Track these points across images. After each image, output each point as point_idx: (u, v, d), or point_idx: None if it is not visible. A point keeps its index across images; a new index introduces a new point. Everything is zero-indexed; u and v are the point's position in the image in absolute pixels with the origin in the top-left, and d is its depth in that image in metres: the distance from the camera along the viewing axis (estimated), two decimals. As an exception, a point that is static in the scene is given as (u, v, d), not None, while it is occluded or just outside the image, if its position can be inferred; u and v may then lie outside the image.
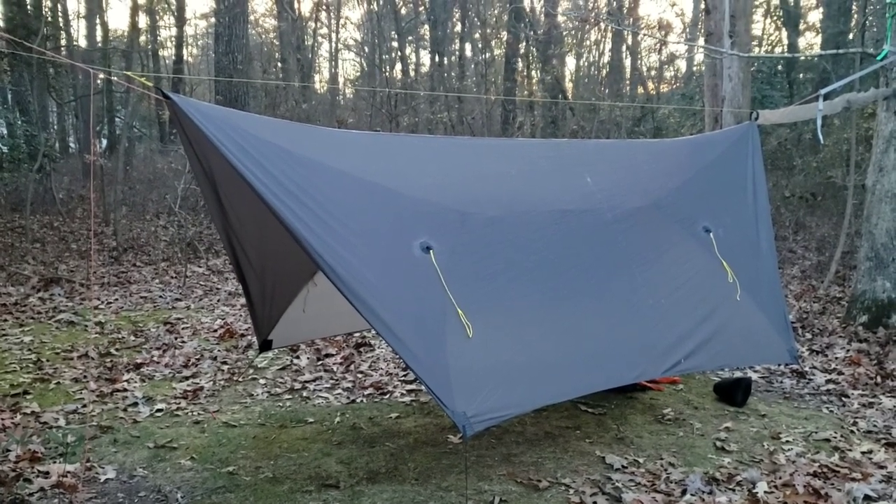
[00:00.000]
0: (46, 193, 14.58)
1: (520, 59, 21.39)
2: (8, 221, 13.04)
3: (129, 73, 4.32)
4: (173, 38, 24.94)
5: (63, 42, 19.13)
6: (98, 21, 21.95)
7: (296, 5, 21.60)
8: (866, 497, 3.67)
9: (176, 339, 7.06)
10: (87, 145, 16.26)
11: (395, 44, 24.01)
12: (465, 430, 3.23)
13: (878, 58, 6.57)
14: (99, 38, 21.55)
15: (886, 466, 4.06)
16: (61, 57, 16.91)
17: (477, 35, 23.43)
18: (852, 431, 4.69)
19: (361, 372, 6.06)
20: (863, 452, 4.29)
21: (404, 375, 5.90)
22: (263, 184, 3.28)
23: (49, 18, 17.62)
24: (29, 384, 5.54)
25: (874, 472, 3.97)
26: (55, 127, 21.09)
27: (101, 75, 13.53)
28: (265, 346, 5.26)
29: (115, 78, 15.73)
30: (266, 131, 3.61)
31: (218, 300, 9.10)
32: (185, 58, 26.60)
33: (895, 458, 4.17)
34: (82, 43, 22.68)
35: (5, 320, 7.52)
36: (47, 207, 14.39)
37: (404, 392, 5.55)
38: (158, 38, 25.53)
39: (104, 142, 20.77)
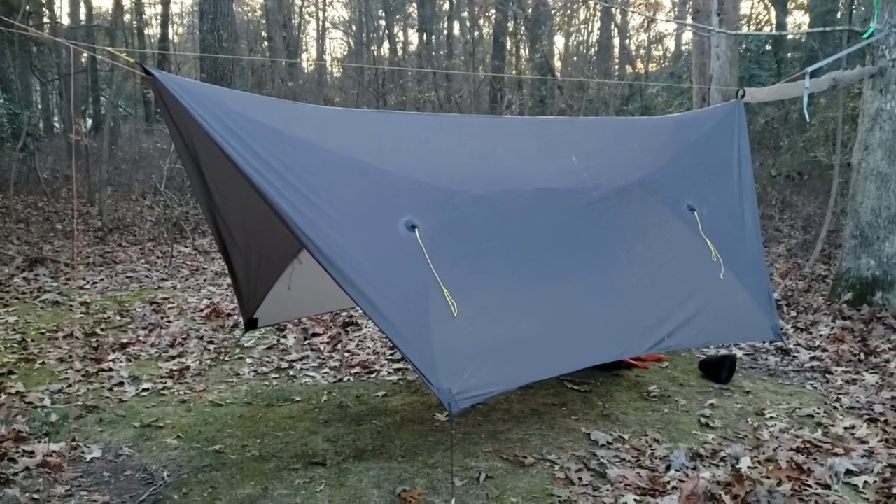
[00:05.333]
0: (30, 173, 14.42)
1: (508, 38, 21.26)
2: (-9, 201, 12.93)
3: (111, 49, 4.25)
4: (158, 17, 24.68)
5: (46, 19, 18.85)
6: (81, -2, 21.68)
7: (282, -18, 21.37)
8: (848, 471, 3.70)
9: (162, 318, 7.04)
10: (72, 124, 16.07)
11: (382, 22, 23.83)
12: (450, 407, 3.24)
13: (865, 35, 6.57)
14: (83, 16, 21.26)
15: (868, 441, 4.10)
16: (44, 34, 16.67)
17: (465, 13, 23.27)
18: (835, 407, 4.73)
19: (348, 351, 6.07)
20: (845, 428, 4.33)
21: (391, 354, 5.91)
22: (247, 161, 3.24)
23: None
24: (14, 364, 5.51)
25: (856, 447, 4.01)
26: (39, 106, 20.84)
27: (85, 53, 13.37)
28: (251, 324, 5.26)
29: (99, 56, 15.53)
30: (250, 108, 3.57)
31: (204, 280, 9.07)
32: (170, 36, 26.32)
33: (877, 434, 4.21)
34: (65, 21, 22.37)
35: (-11, 301, 7.47)
36: (31, 187, 14.25)
37: (391, 371, 5.56)
38: (143, 15, 25.23)
39: (89, 121, 20.56)
